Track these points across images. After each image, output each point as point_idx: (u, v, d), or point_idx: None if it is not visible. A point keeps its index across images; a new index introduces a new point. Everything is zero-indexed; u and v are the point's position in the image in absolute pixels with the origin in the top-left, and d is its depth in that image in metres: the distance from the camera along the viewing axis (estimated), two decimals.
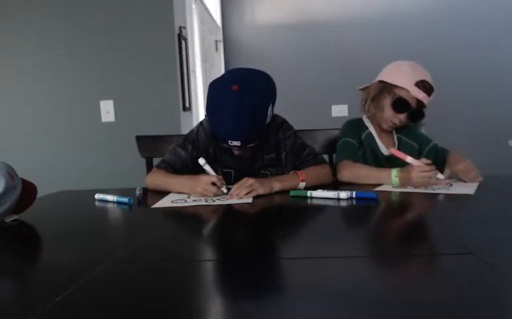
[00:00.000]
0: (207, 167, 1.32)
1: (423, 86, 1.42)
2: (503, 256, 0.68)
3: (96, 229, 1.05)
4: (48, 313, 0.54)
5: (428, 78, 1.44)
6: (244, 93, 1.26)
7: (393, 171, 1.33)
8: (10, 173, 1.06)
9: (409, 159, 1.31)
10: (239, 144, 1.30)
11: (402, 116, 1.48)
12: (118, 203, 1.27)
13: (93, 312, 0.55)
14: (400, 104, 1.47)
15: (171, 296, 0.59)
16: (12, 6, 2.41)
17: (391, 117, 1.50)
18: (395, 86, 1.47)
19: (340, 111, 3.82)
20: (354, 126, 1.61)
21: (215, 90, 1.33)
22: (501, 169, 1.36)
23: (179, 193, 1.33)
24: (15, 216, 1.10)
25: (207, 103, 1.36)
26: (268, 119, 1.33)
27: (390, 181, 1.33)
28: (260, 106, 1.30)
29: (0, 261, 0.85)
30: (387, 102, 1.49)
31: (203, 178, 1.28)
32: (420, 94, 1.43)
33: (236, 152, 1.41)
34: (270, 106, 1.33)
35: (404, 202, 1.16)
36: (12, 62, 2.45)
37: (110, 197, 1.30)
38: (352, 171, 1.43)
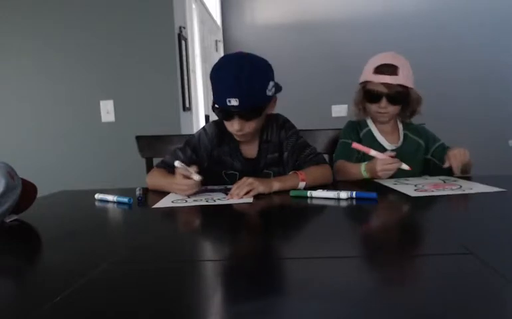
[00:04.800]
0: (177, 163, 1.28)
1: (380, 69, 1.49)
2: (503, 256, 0.68)
3: (96, 229, 1.04)
4: (48, 313, 0.54)
5: (386, 60, 1.49)
6: (246, 54, 1.34)
7: (362, 166, 1.42)
8: (11, 173, 1.06)
9: (372, 152, 1.36)
10: (236, 104, 1.28)
11: (381, 104, 1.53)
12: (118, 203, 1.27)
13: (93, 312, 0.55)
14: (371, 95, 1.55)
15: (171, 296, 0.59)
16: (12, 7, 2.41)
17: (374, 109, 1.57)
18: (363, 82, 1.58)
19: (340, 111, 3.83)
20: (353, 126, 1.66)
21: (221, 58, 1.39)
22: (501, 169, 1.36)
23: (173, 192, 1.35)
24: (15, 216, 1.10)
25: (211, 69, 1.38)
26: (269, 92, 1.34)
27: (362, 175, 1.41)
28: (261, 69, 1.33)
29: (0, 261, 0.85)
30: (364, 99, 1.59)
31: (176, 176, 1.28)
32: (381, 78, 1.49)
33: (235, 126, 1.34)
34: (273, 83, 1.35)
35: (404, 202, 1.16)
36: (12, 62, 2.45)
37: (110, 197, 1.30)
38: (341, 172, 1.51)
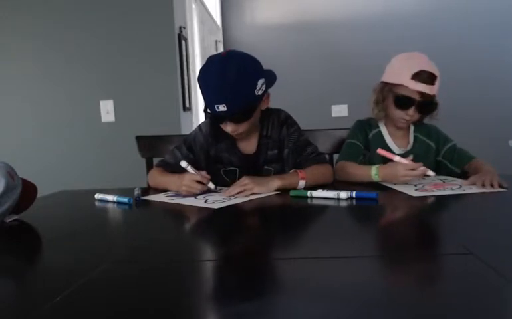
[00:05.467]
0: (189, 168, 1.32)
1: (421, 77, 1.38)
2: (503, 256, 0.68)
3: (96, 229, 1.05)
4: (48, 313, 0.54)
5: (425, 67, 1.39)
6: (231, 56, 1.29)
7: (372, 169, 1.35)
8: (11, 173, 1.06)
9: (397, 158, 1.30)
10: (225, 109, 1.26)
11: (410, 111, 1.45)
12: (118, 203, 1.27)
13: (93, 312, 0.55)
14: (402, 101, 1.44)
15: (171, 296, 0.59)
16: (12, 7, 2.41)
17: (399, 115, 1.48)
18: (394, 85, 1.45)
19: (340, 111, 3.82)
20: (362, 126, 1.58)
21: (207, 60, 1.34)
22: (501, 169, 1.35)
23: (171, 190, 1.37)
24: (15, 216, 1.10)
25: (198, 73, 1.35)
26: (259, 92, 1.29)
27: (371, 179, 1.35)
28: (247, 69, 1.27)
29: (0, 261, 0.85)
30: (390, 101, 1.49)
31: (186, 176, 1.30)
32: (419, 86, 1.39)
33: (229, 128, 1.34)
34: (263, 80, 1.30)
35: (404, 202, 1.16)
36: (12, 62, 2.45)
37: (110, 197, 1.30)
38: (343, 172, 1.45)
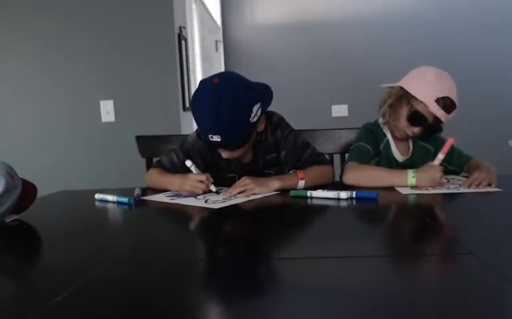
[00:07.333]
0: (193, 168, 1.33)
1: (444, 103, 1.33)
2: (503, 256, 0.68)
3: (96, 229, 1.05)
4: (48, 313, 0.54)
5: (452, 94, 1.34)
6: (224, 85, 1.23)
7: (409, 172, 1.28)
8: (11, 173, 1.06)
9: (436, 161, 1.29)
10: (219, 140, 1.24)
11: (416, 129, 1.40)
12: (118, 203, 1.27)
13: (93, 312, 0.55)
14: (416, 118, 1.39)
15: (170, 296, 0.59)
16: (11, 7, 2.41)
17: (405, 127, 1.42)
18: (414, 98, 1.37)
19: (340, 111, 3.81)
20: (372, 134, 1.51)
21: (199, 85, 1.31)
22: (501, 169, 1.35)
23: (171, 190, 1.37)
24: (15, 216, 1.10)
25: (191, 99, 1.32)
26: (255, 118, 1.26)
27: (406, 182, 1.28)
28: (241, 99, 1.23)
29: (1, 261, 0.85)
30: (403, 112, 1.41)
31: (191, 176, 1.31)
32: (439, 112, 1.33)
33: (224, 155, 1.34)
34: (258, 105, 1.26)
35: (404, 202, 1.16)
36: (12, 62, 2.45)
37: (110, 197, 1.30)
38: (361, 173, 1.36)
